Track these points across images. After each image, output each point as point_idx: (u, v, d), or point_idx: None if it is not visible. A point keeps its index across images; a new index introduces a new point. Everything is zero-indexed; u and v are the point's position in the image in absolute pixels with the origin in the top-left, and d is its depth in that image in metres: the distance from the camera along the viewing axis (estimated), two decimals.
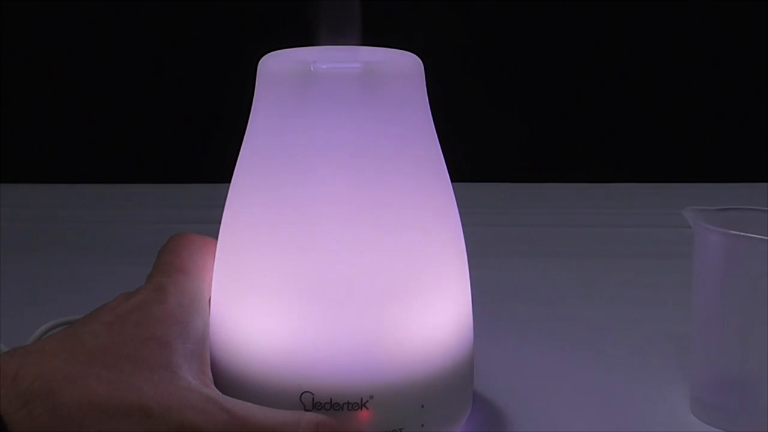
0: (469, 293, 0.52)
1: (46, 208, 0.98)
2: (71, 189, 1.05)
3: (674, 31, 1.23)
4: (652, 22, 1.23)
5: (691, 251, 0.55)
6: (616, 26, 1.23)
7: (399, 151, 0.48)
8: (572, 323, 0.69)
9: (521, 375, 0.61)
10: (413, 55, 0.50)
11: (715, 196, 0.93)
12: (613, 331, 0.68)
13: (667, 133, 1.25)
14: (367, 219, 0.47)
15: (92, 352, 0.44)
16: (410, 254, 0.48)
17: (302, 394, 0.47)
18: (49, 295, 0.74)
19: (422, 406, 0.48)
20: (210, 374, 0.48)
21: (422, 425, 0.48)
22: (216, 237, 0.52)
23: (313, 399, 0.47)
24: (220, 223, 0.51)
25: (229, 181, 0.50)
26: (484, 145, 1.23)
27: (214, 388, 0.47)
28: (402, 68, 0.49)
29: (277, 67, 0.48)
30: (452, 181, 0.51)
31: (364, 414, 0.47)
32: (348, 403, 0.47)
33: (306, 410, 0.47)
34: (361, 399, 0.47)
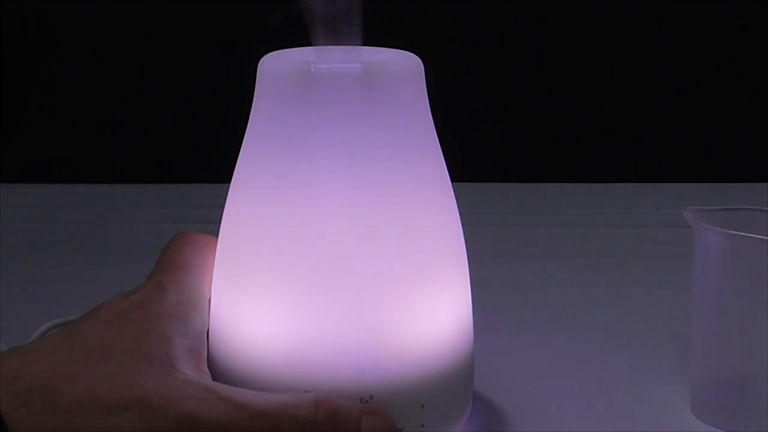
0: (469, 293, 0.52)
1: (46, 208, 0.98)
2: (71, 189, 1.05)
3: (674, 32, 1.23)
4: (652, 22, 1.23)
5: (692, 251, 0.55)
6: (617, 27, 1.23)
7: (399, 152, 0.48)
8: (572, 323, 0.69)
9: (521, 375, 0.61)
10: (413, 55, 0.50)
11: (715, 196, 0.93)
12: (613, 331, 0.68)
13: (667, 133, 1.25)
14: (367, 219, 0.47)
15: (91, 349, 0.44)
16: (410, 254, 0.48)
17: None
18: (49, 295, 0.74)
19: (422, 406, 0.48)
20: (207, 371, 0.48)
21: (422, 425, 0.48)
22: (216, 237, 0.52)
23: None
24: (220, 223, 0.51)
25: (229, 181, 0.50)
26: (484, 144, 1.23)
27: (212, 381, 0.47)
28: (402, 68, 0.49)
29: (277, 68, 0.48)
30: (452, 180, 0.51)
31: None
32: None
33: None
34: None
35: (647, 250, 0.85)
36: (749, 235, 0.52)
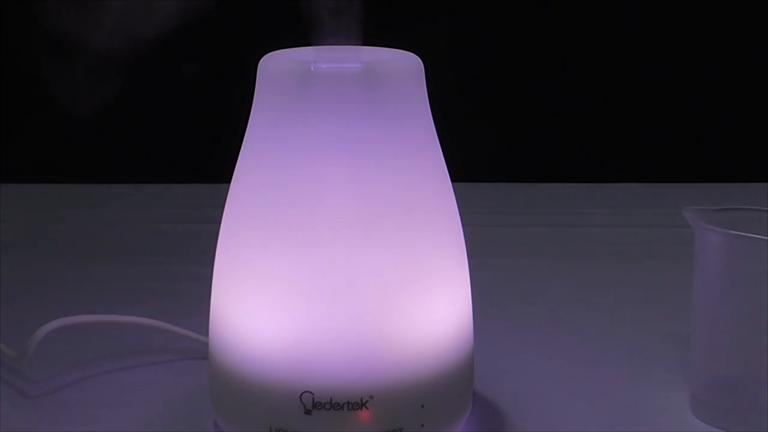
0: (469, 293, 0.52)
1: (46, 208, 0.98)
2: (71, 189, 1.05)
3: (674, 31, 1.23)
4: (653, 22, 1.23)
5: (692, 251, 0.55)
6: (617, 26, 1.23)
7: (399, 151, 0.48)
8: (572, 323, 0.69)
9: (521, 375, 0.61)
10: (413, 55, 0.50)
11: (715, 196, 0.93)
12: (613, 331, 0.68)
13: (667, 133, 1.25)
14: (367, 219, 0.47)
15: None
16: (410, 254, 0.48)
17: (302, 393, 0.47)
18: (49, 295, 0.74)
19: (422, 406, 0.48)
20: None
21: (422, 425, 0.48)
22: (216, 237, 0.52)
23: (313, 399, 0.47)
24: (220, 223, 0.51)
25: (230, 182, 0.50)
26: (484, 144, 1.23)
27: None
28: (402, 68, 0.49)
29: (277, 67, 0.48)
30: (452, 180, 0.51)
31: (364, 413, 0.47)
32: (348, 402, 0.47)
33: (306, 410, 0.47)
34: (361, 399, 0.47)
35: (647, 250, 0.85)
36: (749, 235, 0.52)
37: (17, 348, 0.59)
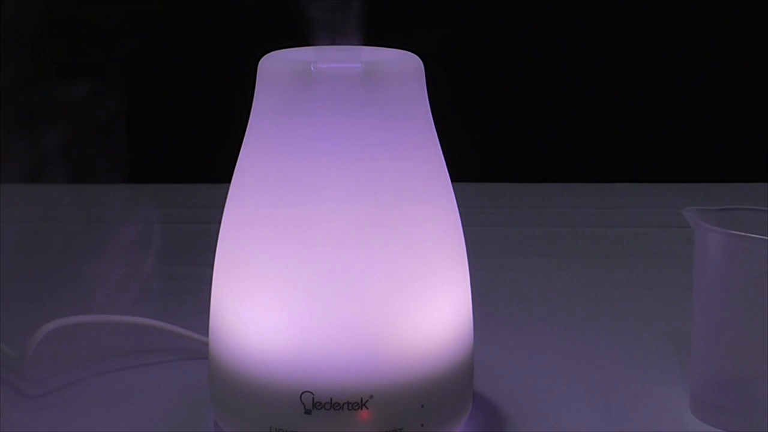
0: (469, 293, 0.52)
1: (46, 208, 0.98)
2: (71, 189, 1.05)
3: (674, 32, 1.23)
4: (653, 22, 1.23)
5: (691, 251, 0.55)
6: (618, 26, 1.23)
7: (399, 151, 0.48)
8: (572, 323, 0.69)
9: (521, 375, 0.61)
10: (413, 55, 0.50)
11: (715, 196, 0.93)
12: (613, 331, 0.68)
13: (667, 133, 1.25)
14: (367, 219, 0.47)
15: None
16: (410, 254, 0.48)
17: (302, 393, 0.47)
18: (49, 294, 0.74)
19: (422, 406, 0.48)
20: None
21: (422, 425, 0.48)
22: (216, 237, 0.52)
23: (313, 399, 0.47)
24: (220, 223, 0.51)
25: (229, 182, 0.50)
26: (484, 145, 1.23)
27: None
28: (402, 68, 0.49)
29: (277, 68, 0.48)
30: (452, 180, 0.51)
31: (364, 413, 0.47)
32: (348, 402, 0.47)
33: (306, 410, 0.47)
34: (361, 399, 0.47)
35: (647, 250, 0.85)
36: (749, 235, 0.52)
37: (17, 348, 0.59)
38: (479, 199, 0.96)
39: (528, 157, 1.26)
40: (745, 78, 1.23)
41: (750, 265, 0.52)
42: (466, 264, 0.52)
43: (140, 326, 0.63)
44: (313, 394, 0.47)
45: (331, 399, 0.47)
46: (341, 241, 0.47)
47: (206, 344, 0.53)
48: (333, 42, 0.49)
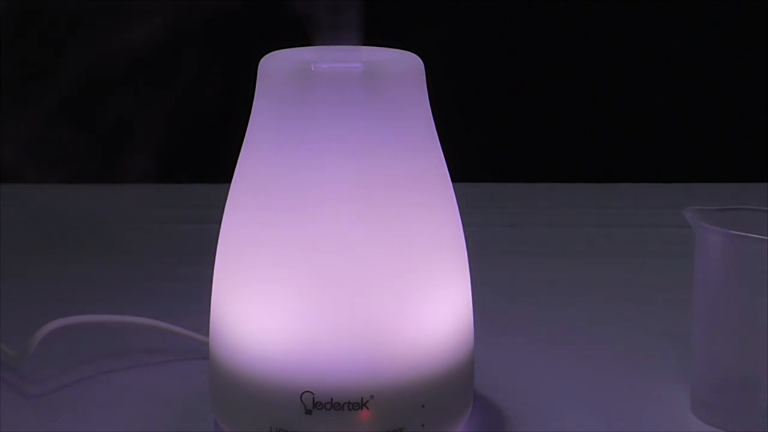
0: (469, 293, 0.52)
1: (46, 208, 0.98)
2: (71, 189, 1.05)
3: (674, 31, 1.23)
4: (654, 22, 1.23)
5: (692, 251, 0.55)
6: (618, 26, 1.23)
7: (399, 151, 0.48)
8: (572, 323, 0.69)
9: (521, 375, 0.61)
10: (414, 54, 0.50)
11: (715, 195, 0.93)
12: (613, 331, 0.68)
13: (667, 133, 1.25)
14: (368, 219, 0.47)
15: None
16: (411, 254, 0.48)
17: (303, 393, 0.47)
18: (49, 295, 0.74)
19: (423, 406, 0.48)
20: None
21: (423, 425, 0.48)
22: (216, 237, 0.52)
23: (313, 399, 0.47)
24: (220, 223, 0.51)
25: (230, 181, 0.50)
26: (485, 144, 1.23)
27: None
28: (403, 68, 0.49)
29: (277, 67, 0.48)
30: (453, 180, 0.51)
31: (364, 413, 0.47)
32: (349, 402, 0.47)
33: (306, 410, 0.47)
34: (362, 398, 0.47)
35: (647, 250, 0.85)
36: (749, 235, 0.52)
37: (17, 348, 0.59)
38: (479, 199, 0.96)
39: (528, 157, 1.26)
40: (745, 78, 1.23)
41: (750, 265, 0.52)
42: (466, 264, 0.52)
43: (140, 326, 0.63)
44: (313, 394, 0.47)
45: (331, 399, 0.47)
46: (341, 240, 0.47)
47: (206, 344, 0.53)
48: (333, 42, 0.49)
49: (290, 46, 0.51)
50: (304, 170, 0.47)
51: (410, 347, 0.47)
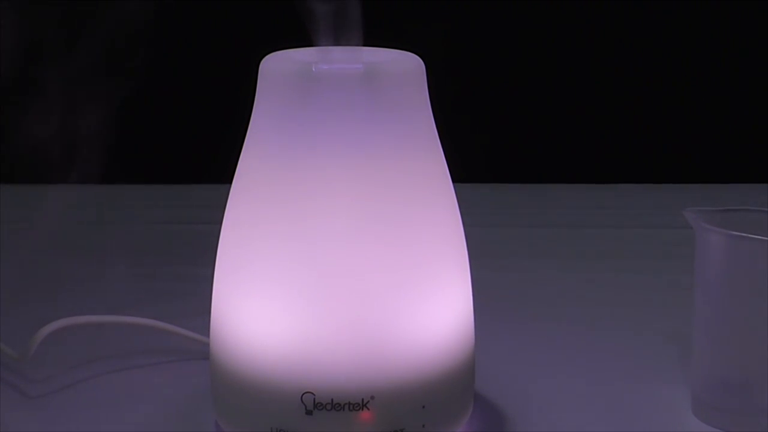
0: (470, 294, 0.52)
1: (47, 208, 0.98)
2: (71, 189, 1.05)
3: (674, 32, 1.23)
4: (653, 22, 1.23)
5: (692, 252, 0.55)
6: (618, 27, 1.23)
7: (400, 152, 0.48)
8: (573, 324, 0.69)
9: (522, 375, 0.61)
10: (414, 55, 0.50)
11: (715, 197, 0.93)
12: (614, 332, 0.68)
13: (667, 134, 1.25)
14: (369, 220, 0.47)
15: None
16: (411, 255, 0.48)
17: (303, 394, 0.47)
18: (50, 295, 0.74)
19: (423, 407, 0.48)
20: None
21: (423, 425, 0.48)
22: (217, 238, 0.52)
23: (314, 399, 0.47)
24: (221, 223, 0.51)
25: (231, 182, 0.50)
26: (486, 145, 1.23)
27: None
28: (403, 69, 0.49)
29: (278, 68, 0.48)
30: (453, 181, 0.51)
31: (365, 414, 0.47)
32: (349, 403, 0.47)
33: (307, 410, 0.47)
34: (363, 399, 0.47)
35: (648, 251, 0.85)
36: (750, 236, 0.52)
37: (19, 348, 0.59)
38: (480, 199, 0.96)
39: (529, 158, 1.26)
40: (745, 79, 1.23)
41: (751, 266, 0.52)
42: (467, 264, 0.52)
43: (141, 327, 0.63)
44: (314, 394, 0.47)
45: (332, 399, 0.47)
46: (342, 241, 0.47)
47: (207, 345, 0.53)
48: (334, 43, 0.49)
49: (291, 46, 0.51)
50: (304, 171, 0.47)
51: (411, 348, 0.47)
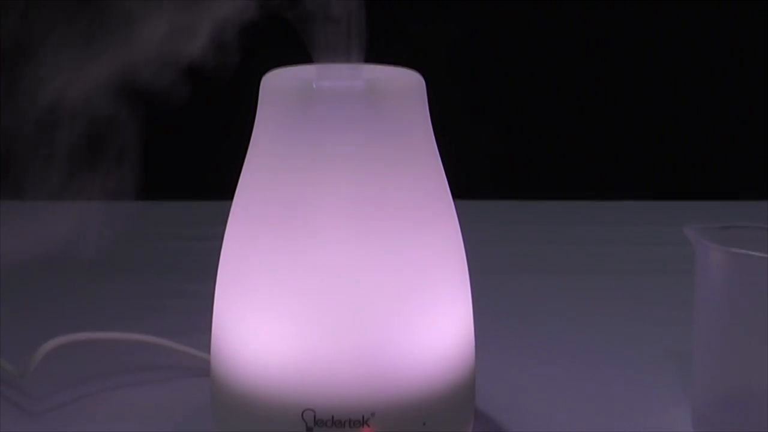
0: (470, 310, 0.52)
1: (47, 224, 0.98)
2: (71, 206, 1.05)
3: (677, 48, 1.23)
4: (655, 38, 1.23)
5: (693, 269, 0.55)
6: (620, 42, 1.23)
7: (400, 169, 0.48)
8: (574, 340, 0.69)
9: (523, 392, 0.61)
10: (415, 72, 0.50)
11: (716, 213, 0.93)
12: (615, 348, 0.68)
13: (668, 150, 1.25)
14: (369, 237, 0.47)
15: None
16: (412, 272, 0.48)
17: (304, 411, 0.47)
18: (50, 312, 0.74)
19: (424, 423, 0.48)
20: None
21: None
22: (218, 254, 0.52)
23: (314, 416, 0.47)
24: (222, 239, 0.51)
25: (232, 198, 0.51)
26: (486, 161, 1.23)
27: None
28: (404, 86, 0.49)
29: (279, 85, 0.49)
30: (453, 197, 0.51)
31: (366, 431, 0.47)
32: (350, 420, 0.47)
33: (308, 428, 0.47)
34: (363, 416, 0.47)
35: (648, 268, 0.85)
36: (750, 252, 0.52)
37: (19, 365, 0.59)
38: (480, 215, 0.96)
39: (529, 173, 1.26)
40: (746, 96, 1.23)
41: (751, 283, 0.52)
42: (467, 281, 0.52)
43: (142, 343, 0.63)
44: (314, 411, 0.47)
45: (332, 416, 0.47)
46: (343, 258, 0.47)
47: (208, 361, 0.53)
48: (335, 59, 0.49)
49: (293, 63, 0.51)
50: (305, 187, 0.47)
51: (411, 364, 0.47)
